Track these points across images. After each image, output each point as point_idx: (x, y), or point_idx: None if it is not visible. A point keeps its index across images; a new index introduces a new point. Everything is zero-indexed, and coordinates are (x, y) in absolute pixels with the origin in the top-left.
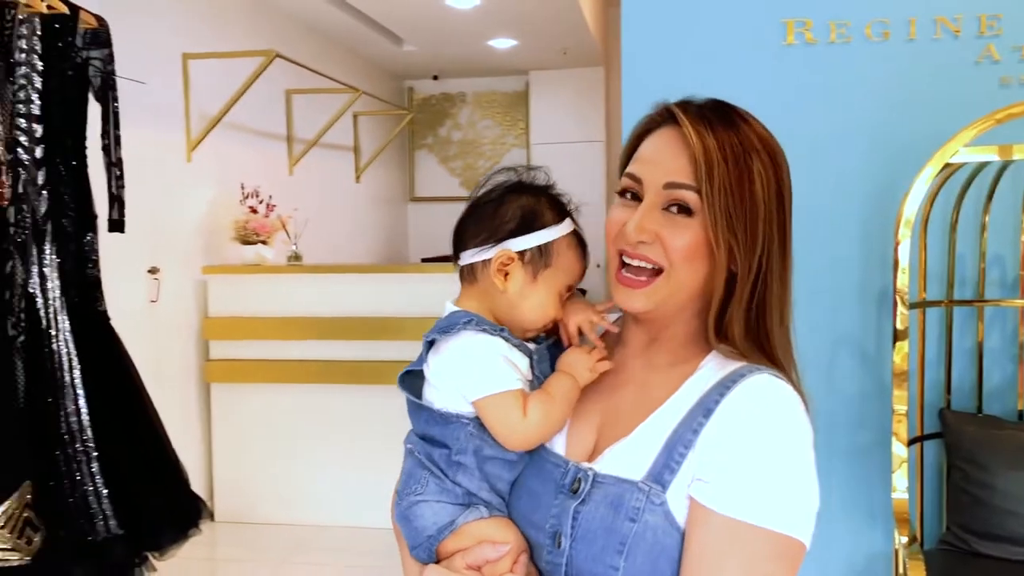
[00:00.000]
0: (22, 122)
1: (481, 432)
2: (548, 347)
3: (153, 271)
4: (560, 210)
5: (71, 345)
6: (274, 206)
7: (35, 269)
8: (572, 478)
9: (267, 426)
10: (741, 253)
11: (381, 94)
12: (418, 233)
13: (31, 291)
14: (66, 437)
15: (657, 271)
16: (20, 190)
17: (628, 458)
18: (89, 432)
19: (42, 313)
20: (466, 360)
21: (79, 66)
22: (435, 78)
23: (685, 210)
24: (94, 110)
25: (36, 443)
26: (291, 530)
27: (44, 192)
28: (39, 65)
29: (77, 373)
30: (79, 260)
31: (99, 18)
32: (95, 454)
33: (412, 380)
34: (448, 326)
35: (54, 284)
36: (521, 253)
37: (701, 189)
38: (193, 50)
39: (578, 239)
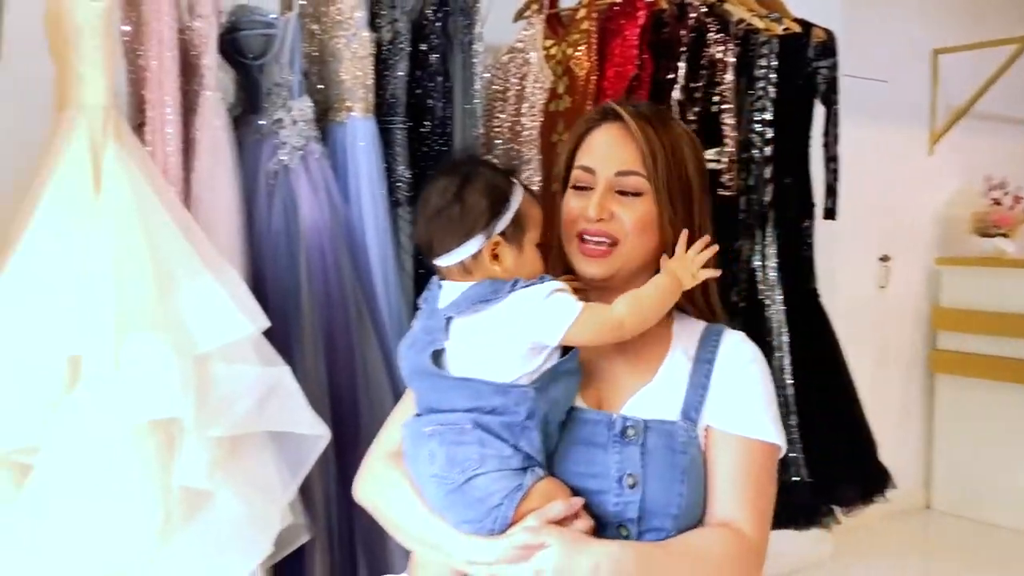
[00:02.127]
0: (756, 126)
1: (538, 396)
2: None
3: (884, 259)
4: (506, 175)
5: (782, 315)
6: (1022, 198)
7: (758, 248)
8: (621, 427)
9: (994, 424)
10: (679, 223)
11: None
12: None
13: (753, 267)
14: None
15: (613, 243)
16: (751, 183)
17: (656, 403)
18: (791, 389)
19: (760, 286)
20: (534, 308)
21: (808, 75)
22: None
23: (633, 192)
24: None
25: None
26: (1016, 536)
27: (770, 185)
28: (774, 78)
29: (785, 339)
30: (796, 243)
31: (828, 32)
32: (795, 409)
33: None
34: (489, 295)
35: (772, 262)
36: (502, 233)
37: (648, 173)
38: (944, 44)
39: (530, 192)
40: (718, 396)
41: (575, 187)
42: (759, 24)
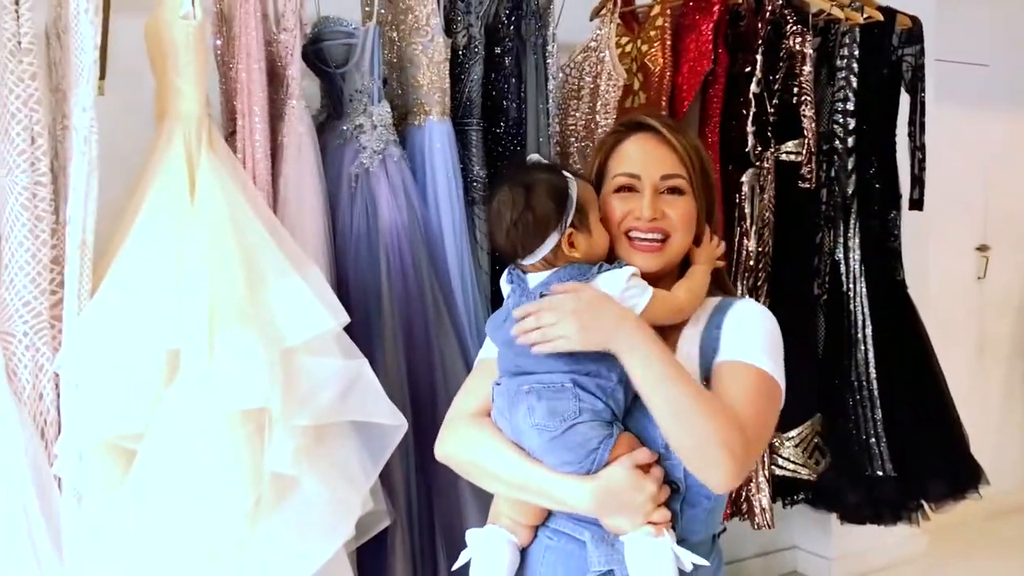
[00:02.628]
0: (838, 117)
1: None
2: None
3: (982, 249)
4: (558, 172)
5: (866, 306)
6: None
7: (840, 240)
8: None
9: None
10: (705, 217)
11: None
12: None
13: (836, 258)
14: (854, 383)
15: (664, 239)
16: (832, 174)
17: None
18: (875, 383)
19: (843, 278)
20: (620, 288)
21: (893, 64)
22: None
23: (677, 191)
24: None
25: (828, 385)
26: None
27: (853, 176)
28: (856, 68)
29: (869, 331)
30: (882, 234)
31: (914, 19)
32: (878, 402)
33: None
34: (578, 276)
35: (856, 254)
36: (572, 224)
37: (688, 174)
38: None
39: (581, 178)
40: (724, 344)
41: (617, 191)
42: (839, 13)
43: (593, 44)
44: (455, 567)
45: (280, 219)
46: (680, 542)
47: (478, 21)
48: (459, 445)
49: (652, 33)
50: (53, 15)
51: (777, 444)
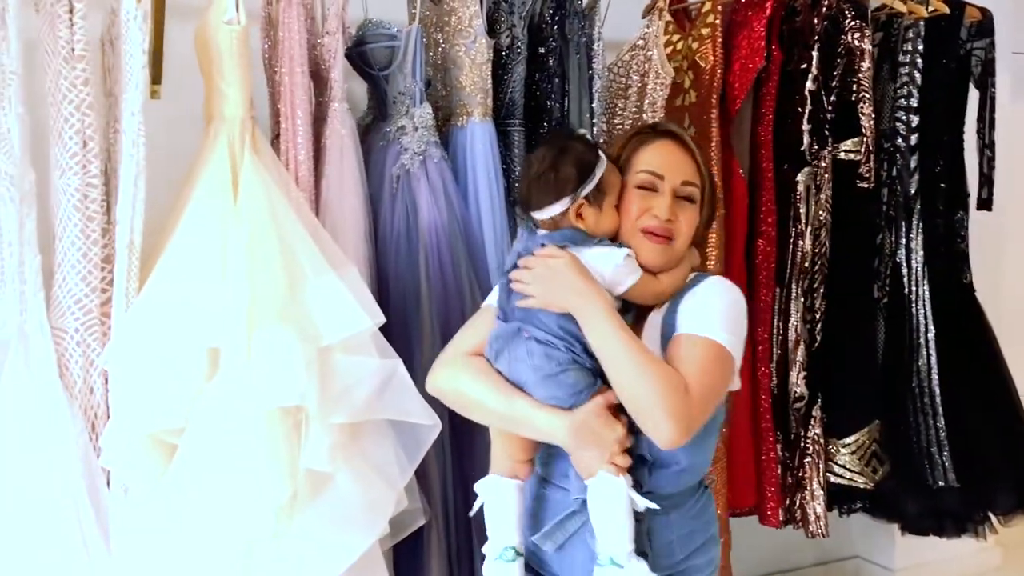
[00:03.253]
0: (901, 114)
1: None
2: None
3: None
4: (594, 149)
5: (929, 310)
6: None
7: (902, 241)
8: None
9: None
10: (703, 229)
11: None
12: None
13: (897, 260)
14: (915, 390)
15: (670, 239)
16: (893, 173)
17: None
18: (937, 389)
19: (905, 280)
20: (615, 264)
21: (961, 58)
22: None
23: (690, 200)
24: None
25: (889, 390)
26: None
27: (916, 175)
28: (920, 63)
29: (931, 336)
30: (947, 235)
31: (983, 10)
32: (940, 410)
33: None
34: (580, 239)
35: (918, 256)
36: (587, 197)
37: (701, 186)
38: None
39: (614, 163)
40: (680, 319)
41: (639, 186)
42: (902, 7)
43: (641, 42)
44: (471, 513)
45: (321, 220)
46: (647, 494)
47: (521, 21)
48: (452, 379)
49: (704, 31)
50: (107, 22)
51: (832, 451)
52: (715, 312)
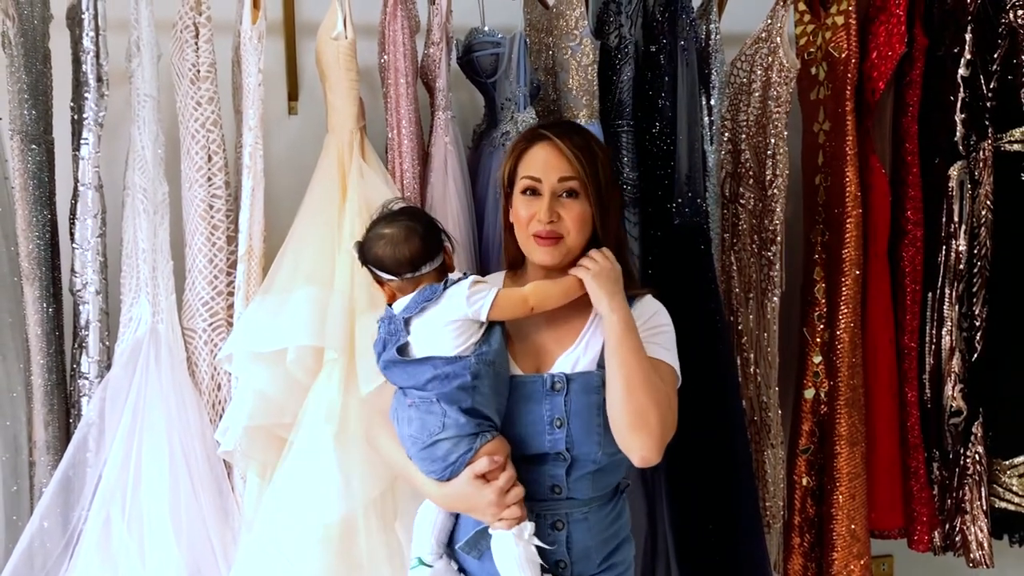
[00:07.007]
0: None
1: (478, 361)
2: None
3: None
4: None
5: None
6: None
7: None
8: (551, 382)
9: None
10: (600, 216)
11: None
12: None
13: None
14: None
15: (559, 238)
16: None
17: (577, 361)
18: None
19: None
20: (464, 297)
21: None
22: None
23: (572, 193)
24: None
25: None
26: None
27: None
28: None
29: None
30: None
31: None
32: None
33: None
34: (433, 293)
35: None
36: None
37: (579, 176)
38: None
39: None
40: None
41: (524, 192)
42: None
43: (764, 34)
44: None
45: None
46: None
47: (628, 21)
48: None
49: (838, 19)
50: (235, 43)
51: (998, 471)
52: (668, 338)
